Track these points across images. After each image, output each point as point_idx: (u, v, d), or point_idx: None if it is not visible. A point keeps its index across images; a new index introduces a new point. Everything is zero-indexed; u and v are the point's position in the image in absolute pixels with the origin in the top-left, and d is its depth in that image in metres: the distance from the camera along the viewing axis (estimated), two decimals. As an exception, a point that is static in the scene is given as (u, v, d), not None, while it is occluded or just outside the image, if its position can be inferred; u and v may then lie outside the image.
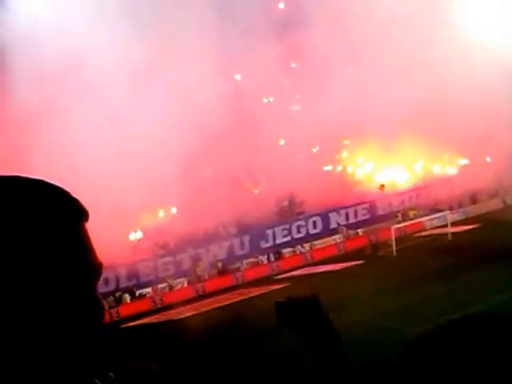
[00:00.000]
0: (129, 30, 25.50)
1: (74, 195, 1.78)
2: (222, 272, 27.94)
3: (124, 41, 25.34)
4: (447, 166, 33.48)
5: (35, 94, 24.60)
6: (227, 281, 27.39)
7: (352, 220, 30.21)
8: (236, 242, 28.37)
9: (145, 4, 26.57)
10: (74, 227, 1.74)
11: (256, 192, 30.16)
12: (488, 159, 32.05)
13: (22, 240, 1.65)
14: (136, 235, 25.10)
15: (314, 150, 31.63)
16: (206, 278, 27.59)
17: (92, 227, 1.84)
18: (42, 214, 1.72)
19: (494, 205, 33.46)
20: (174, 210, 28.18)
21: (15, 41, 25.30)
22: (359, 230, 30.00)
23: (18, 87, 25.01)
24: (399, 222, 30.06)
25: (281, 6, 31.13)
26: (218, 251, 27.98)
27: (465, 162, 33.36)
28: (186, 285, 27.23)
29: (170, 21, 26.31)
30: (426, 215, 30.95)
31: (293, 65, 31.60)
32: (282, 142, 30.85)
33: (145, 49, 25.73)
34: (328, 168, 32.08)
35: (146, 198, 25.74)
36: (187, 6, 26.70)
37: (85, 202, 1.81)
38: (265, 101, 31.08)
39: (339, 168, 32.40)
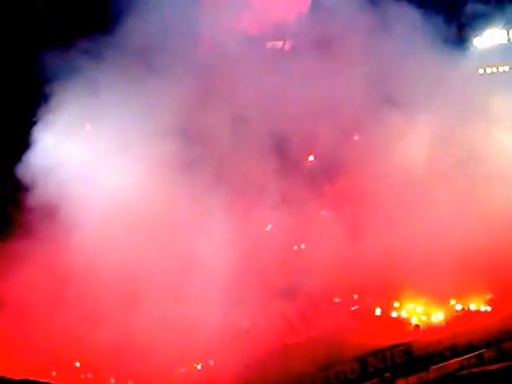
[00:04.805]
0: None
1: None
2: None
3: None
4: (482, 304, 33.58)
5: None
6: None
7: (389, 363, 30.33)
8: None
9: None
10: None
11: (294, 338, 30.56)
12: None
13: None
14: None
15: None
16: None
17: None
18: None
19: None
20: (211, 363, 28.69)
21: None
22: (397, 373, 30.12)
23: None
24: (436, 363, 30.11)
25: (310, 158, 32.48)
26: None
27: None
28: None
29: None
30: (464, 353, 30.89)
31: (323, 212, 32.57)
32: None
33: None
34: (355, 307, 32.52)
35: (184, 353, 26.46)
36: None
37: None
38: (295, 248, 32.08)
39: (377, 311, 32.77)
